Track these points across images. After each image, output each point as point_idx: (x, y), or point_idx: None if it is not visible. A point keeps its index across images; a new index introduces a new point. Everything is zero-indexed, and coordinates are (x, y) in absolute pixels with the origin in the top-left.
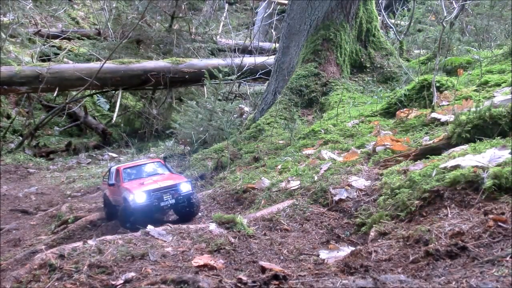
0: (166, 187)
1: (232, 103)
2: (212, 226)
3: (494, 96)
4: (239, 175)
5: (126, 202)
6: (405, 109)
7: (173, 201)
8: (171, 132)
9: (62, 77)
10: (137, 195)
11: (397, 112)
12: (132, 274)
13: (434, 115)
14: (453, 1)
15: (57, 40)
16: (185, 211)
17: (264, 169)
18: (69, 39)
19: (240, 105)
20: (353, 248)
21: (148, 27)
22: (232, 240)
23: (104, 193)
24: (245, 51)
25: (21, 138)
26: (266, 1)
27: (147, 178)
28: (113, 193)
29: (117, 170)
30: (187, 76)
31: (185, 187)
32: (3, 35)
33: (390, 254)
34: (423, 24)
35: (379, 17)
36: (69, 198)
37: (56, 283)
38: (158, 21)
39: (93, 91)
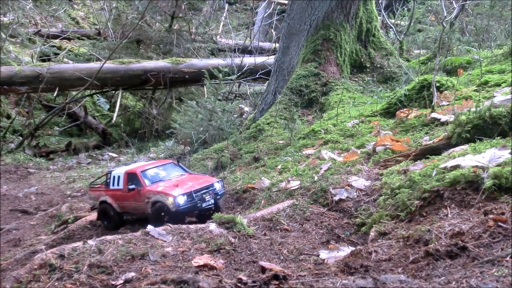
0: (205, 187)
1: (232, 103)
2: (212, 226)
3: (494, 96)
4: (239, 175)
5: (160, 206)
6: (405, 109)
7: (212, 201)
8: (171, 132)
9: (62, 77)
10: (179, 198)
11: (397, 112)
12: (132, 274)
13: (434, 115)
14: (453, 1)
15: (57, 40)
16: (209, 214)
17: (264, 169)
18: (69, 39)
19: (240, 105)
20: (353, 248)
21: (148, 27)
22: (232, 240)
23: (102, 200)
24: (245, 51)
25: (21, 138)
26: (266, 1)
27: (174, 179)
28: (124, 199)
29: (133, 174)
30: (187, 76)
31: (219, 186)
32: (3, 35)
33: (390, 254)
34: (423, 24)
35: (379, 17)
36: (69, 198)
37: (56, 283)
38: (158, 21)
39: (93, 91)
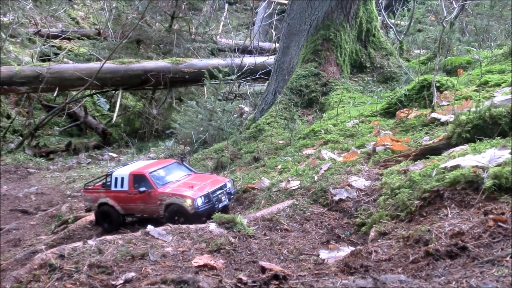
0: (219, 187)
1: (232, 103)
2: (212, 226)
3: (494, 96)
4: (239, 175)
5: (177, 208)
6: (405, 109)
7: (227, 201)
8: (171, 132)
9: (62, 77)
10: (198, 200)
11: (397, 112)
12: (132, 274)
13: (434, 115)
14: (453, 1)
15: (57, 40)
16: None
17: (264, 169)
18: (69, 39)
19: (240, 105)
20: (353, 248)
21: (148, 27)
22: (232, 240)
23: (102, 202)
24: (245, 51)
25: (21, 138)
26: (266, 1)
27: (182, 180)
28: (130, 201)
29: (141, 175)
30: (187, 76)
31: (230, 186)
32: (3, 35)
33: (390, 254)
34: (423, 24)
35: (379, 17)
36: (69, 198)
37: (56, 283)
38: (158, 21)
39: (93, 91)
